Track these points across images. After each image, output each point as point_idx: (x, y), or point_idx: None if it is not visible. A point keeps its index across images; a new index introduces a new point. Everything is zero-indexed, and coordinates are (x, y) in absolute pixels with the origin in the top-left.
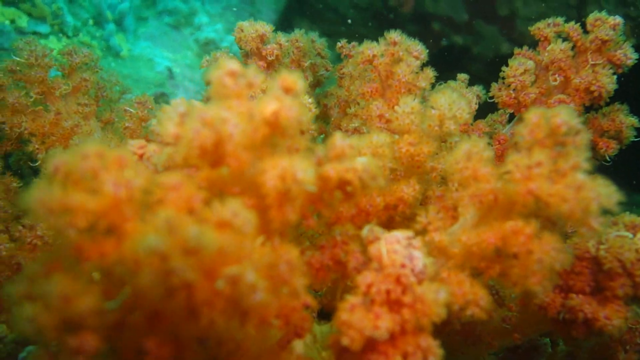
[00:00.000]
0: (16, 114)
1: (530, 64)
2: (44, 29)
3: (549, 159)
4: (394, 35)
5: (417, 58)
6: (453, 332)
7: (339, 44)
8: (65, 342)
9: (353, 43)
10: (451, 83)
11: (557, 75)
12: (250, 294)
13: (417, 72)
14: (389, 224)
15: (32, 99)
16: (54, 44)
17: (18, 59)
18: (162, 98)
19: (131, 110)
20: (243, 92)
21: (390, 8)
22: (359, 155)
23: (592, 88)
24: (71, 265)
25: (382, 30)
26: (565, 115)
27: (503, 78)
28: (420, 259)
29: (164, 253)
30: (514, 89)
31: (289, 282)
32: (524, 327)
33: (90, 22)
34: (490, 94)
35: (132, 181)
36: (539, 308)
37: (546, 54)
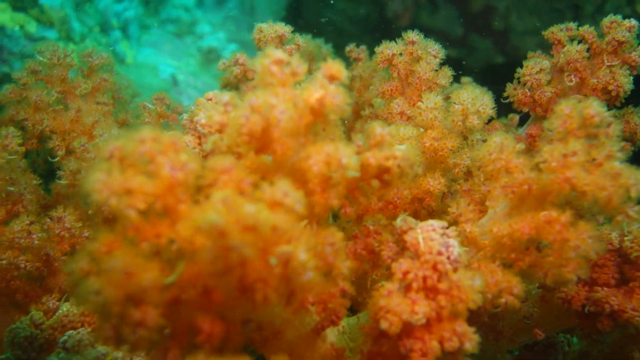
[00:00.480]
0: (38, 112)
1: (546, 63)
2: (51, 34)
3: (584, 149)
4: (412, 35)
5: (435, 57)
6: (477, 327)
7: (347, 48)
8: (129, 315)
9: (362, 47)
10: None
11: (572, 76)
12: (301, 273)
13: (436, 70)
14: (414, 217)
15: (53, 98)
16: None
17: (42, 58)
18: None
19: (150, 106)
20: (288, 80)
21: (387, 21)
22: (397, 144)
23: (610, 87)
24: (130, 244)
25: (379, 43)
26: (597, 107)
27: (518, 79)
28: (455, 247)
29: (224, 229)
30: (529, 88)
31: (334, 265)
32: (545, 323)
33: (96, 29)
34: (505, 94)
35: (187, 165)
36: (562, 301)
37: (562, 55)
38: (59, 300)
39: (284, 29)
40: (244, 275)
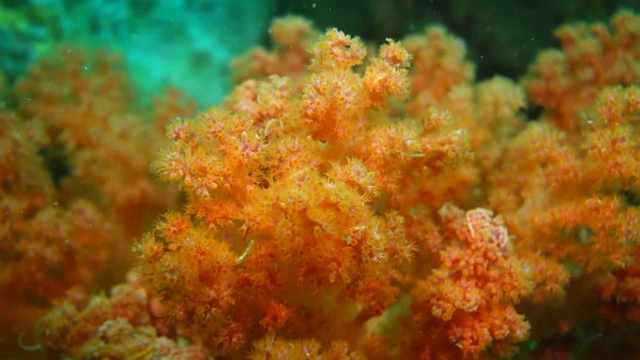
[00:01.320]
0: (49, 105)
1: (560, 55)
2: (41, 32)
3: (631, 135)
4: (435, 29)
5: (460, 50)
6: None
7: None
8: (203, 294)
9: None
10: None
11: (587, 70)
12: (373, 253)
13: (461, 64)
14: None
15: (66, 92)
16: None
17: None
18: (132, 102)
19: (162, 99)
20: (349, 63)
21: (372, 30)
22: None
23: (627, 79)
24: (198, 225)
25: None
26: None
27: (532, 73)
28: (505, 234)
29: (307, 204)
30: (545, 78)
31: (396, 249)
32: (569, 315)
33: (86, 28)
34: (521, 85)
35: (259, 145)
36: (591, 292)
37: (576, 50)
38: (94, 292)
39: (304, 23)
40: (317, 254)
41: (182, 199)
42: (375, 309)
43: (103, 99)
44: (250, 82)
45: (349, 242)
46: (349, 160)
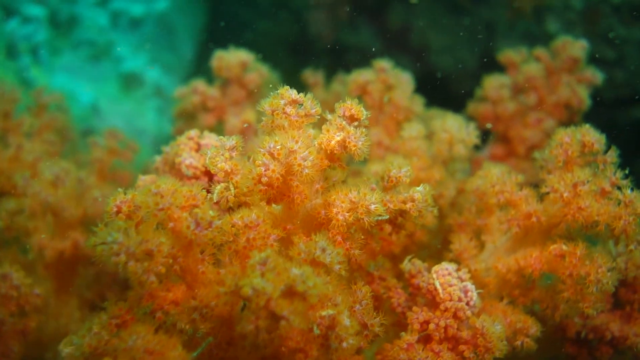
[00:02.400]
0: None
1: (506, 79)
2: None
3: (591, 177)
4: (382, 62)
5: (408, 84)
6: None
7: (305, 74)
8: None
9: (318, 72)
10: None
11: (532, 94)
12: (343, 339)
13: (411, 98)
14: (404, 253)
15: None
16: None
17: None
18: (89, 135)
19: (100, 142)
20: (303, 123)
21: (309, 40)
22: (414, 185)
23: (573, 102)
24: (143, 315)
25: (302, 63)
26: (595, 133)
27: (479, 97)
28: (473, 290)
29: (271, 296)
30: (492, 102)
31: (366, 324)
32: (535, 355)
33: (2, 54)
34: (468, 111)
35: (213, 222)
36: (555, 329)
37: (521, 74)
38: None
39: (247, 56)
40: (281, 344)
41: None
42: None
43: (36, 142)
44: (193, 132)
45: (316, 333)
46: (313, 236)
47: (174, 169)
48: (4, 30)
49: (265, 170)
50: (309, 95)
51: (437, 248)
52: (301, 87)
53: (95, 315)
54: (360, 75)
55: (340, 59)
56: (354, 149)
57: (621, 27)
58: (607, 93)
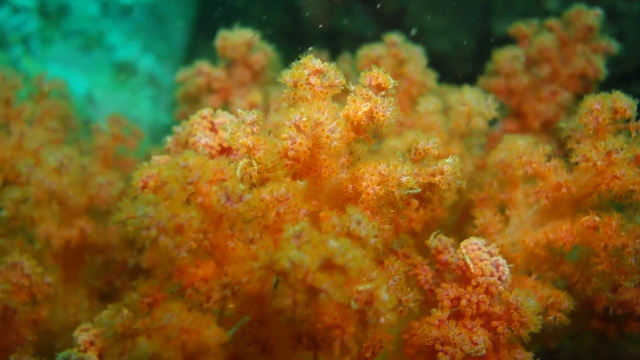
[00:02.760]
0: None
1: (519, 51)
2: None
3: (626, 145)
4: (393, 36)
5: (421, 58)
6: None
7: (309, 54)
8: None
9: (322, 52)
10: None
11: (545, 66)
12: (381, 314)
13: (424, 72)
14: (425, 231)
15: None
16: None
17: None
18: (85, 125)
19: (104, 128)
20: (327, 94)
21: (303, 25)
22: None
23: (588, 73)
24: (174, 293)
25: (296, 49)
26: (627, 100)
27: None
28: (505, 265)
29: (309, 269)
30: (504, 76)
31: (400, 300)
32: (562, 331)
33: None
34: (479, 86)
35: (243, 195)
36: (582, 305)
37: (533, 46)
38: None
39: (252, 35)
40: (318, 322)
41: (127, 237)
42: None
43: (38, 130)
44: (206, 111)
45: (354, 308)
46: (347, 208)
47: (186, 149)
48: None
49: (292, 144)
50: (332, 64)
51: (454, 225)
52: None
53: (126, 294)
54: (372, 50)
55: (335, 44)
56: (382, 119)
57: (621, 2)
58: (608, 69)
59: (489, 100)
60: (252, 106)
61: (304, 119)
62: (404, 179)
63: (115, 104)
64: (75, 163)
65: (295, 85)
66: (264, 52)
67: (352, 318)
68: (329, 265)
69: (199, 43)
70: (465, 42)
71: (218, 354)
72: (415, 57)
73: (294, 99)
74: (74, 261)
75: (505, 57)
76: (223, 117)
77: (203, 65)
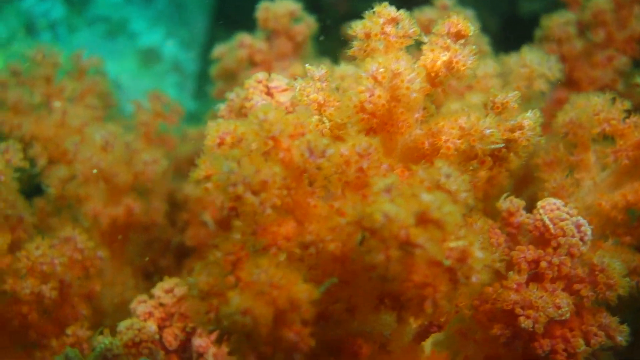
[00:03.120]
0: (17, 115)
1: (571, 15)
2: None
3: None
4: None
5: (474, 21)
6: None
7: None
8: (283, 338)
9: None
10: None
11: (600, 30)
12: (473, 273)
13: (478, 36)
14: (485, 198)
15: (37, 100)
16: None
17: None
18: (110, 110)
19: (145, 104)
20: (402, 44)
21: (321, 11)
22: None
23: None
24: (256, 252)
25: (315, 33)
26: None
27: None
28: (586, 225)
29: (404, 223)
30: (557, 41)
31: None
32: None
33: (22, 31)
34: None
35: (326, 149)
36: None
37: (587, 10)
38: (98, 332)
39: (295, 5)
40: (408, 280)
41: (171, 213)
42: (438, 325)
43: (79, 108)
44: (261, 75)
45: (447, 265)
46: (436, 161)
47: (240, 116)
48: (22, 8)
49: (370, 96)
50: (406, 12)
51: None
52: (322, 53)
53: (209, 253)
54: (423, 13)
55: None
56: (462, 69)
57: None
58: None
59: (552, 60)
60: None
61: (382, 70)
62: (487, 132)
63: (141, 90)
64: (120, 141)
65: (367, 36)
66: (307, 23)
67: (443, 276)
68: (423, 220)
69: (217, 30)
70: (489, 24)
71: (309, 310)
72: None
73: (365, 51)
74: (120, 239)
75: (557, 22)
76: (278, 80)
77: (245, 37)
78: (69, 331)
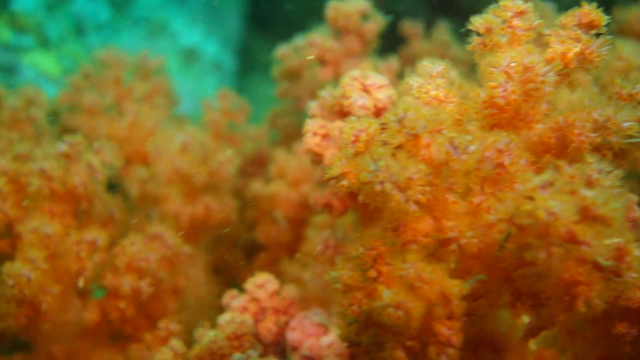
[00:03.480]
0: (92, 118)
1: None
2: (27, 41)
3: None
4: None
5: (553, 13)
6: None
7: (403, 24)
8: (434, 331)
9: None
10: None
11: None
12: (630, 270)
13: None
14: None
15: (108, 102)
16: (42, 57)
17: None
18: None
19: (213, 103)
20: (529, 37)
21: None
22: None
23: None
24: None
25: None
26: None
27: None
28: None
29: (569, 219)
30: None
31: None
32: None
33: (72, 33)
34: None
35: (469, 145)
36: None
37: None
38: (200, 325)
39: (364, 3)
40: (559, 277)
41: (242, 210)
42: (551, 322)
43: (149, 108)
44: (357, 73)
45: (603, 264)
46: (587, 156)
47: (333, 114)
48: (73, 9)
49: (503, 92)
50: (530, 4)
51: None
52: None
53: (351, 247)
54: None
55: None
56: (596, 60)
57: None
58: None
59: None
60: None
61: (514, 64)
62: (625, 125)
63: (185, 91)
64: (196, 141)
65: (488, 30)
66: (376, 21)
67: (595, 274)
68: (586, 216)
69: (251, 30)
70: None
71: (460, 305)
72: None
73: (486, 45)
74: (194, 237)
75: (637, 15)
76: (374, 77)
77: (315, 36)
78: (160, 325)
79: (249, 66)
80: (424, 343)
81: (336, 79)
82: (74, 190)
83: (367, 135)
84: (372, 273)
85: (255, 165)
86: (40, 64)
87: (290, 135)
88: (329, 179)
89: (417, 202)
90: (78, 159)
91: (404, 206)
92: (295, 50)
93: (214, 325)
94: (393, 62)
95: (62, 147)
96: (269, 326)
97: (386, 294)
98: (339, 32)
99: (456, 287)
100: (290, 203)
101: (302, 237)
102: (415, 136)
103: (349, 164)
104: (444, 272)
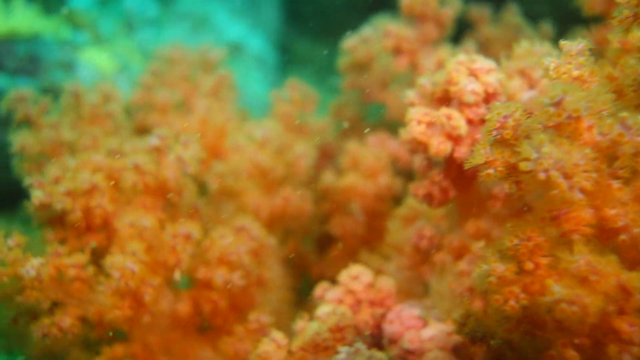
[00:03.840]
0: (165, 115)
1: None
2: (83, 38)
3: None
4: None
5: None
6: None
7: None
8: (614, 328)
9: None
10: None
11: None
12: None
13: None
14: None
15: (178, 99)
16: (96, 53)
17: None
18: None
19: (283, 94)
20: None
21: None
22: None
23: None
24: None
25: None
26: None
27: None
28: None
29: None
30: None
31: None
32: None
33: (123, 29)
34: None
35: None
36: None
37: None
38: (299, 317)
39: None
40: None
41: (316, 202)
42: None
43: (216, 102)
44: (463, 57)
45: None
46: None
47: (433, 101)
48: (123, 7)
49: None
50: None
51: None
52: None
53: (504, 239)
54: None
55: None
56: None
57: None
58: None
59: None
60: (440, 65)
61: None
62: None
63: None
64: (274, 135)
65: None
66: (452, 5)
67: None
68: None
69: (288, 25)
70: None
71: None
72: None
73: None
74: (271, 229)
75: None
76: (481, 62)
77: (391, 25)
78: (251, 317)
79: (287, 60)
80: (598, 341)
81: (412, 68)
82: (166, 183)
83: (514, 121)
84: (529, 265)
85: (322, 157)
86: (95, 60)
87: (356, 127)
88: (468, 168)
89: (582, 190)
90: (168, 152)
91: (568, 194)
92: (364, 41)
93: (306, 318)
94: (470, 48)
95: (154, 141)
96: (365, 318)
97: (557, 289)
98: (415, 20)
99: (636, 280)
100: (367, 195)
101: (377, 229)
102: (577, 119)
103: (495, 151)
104: (617, 264)
